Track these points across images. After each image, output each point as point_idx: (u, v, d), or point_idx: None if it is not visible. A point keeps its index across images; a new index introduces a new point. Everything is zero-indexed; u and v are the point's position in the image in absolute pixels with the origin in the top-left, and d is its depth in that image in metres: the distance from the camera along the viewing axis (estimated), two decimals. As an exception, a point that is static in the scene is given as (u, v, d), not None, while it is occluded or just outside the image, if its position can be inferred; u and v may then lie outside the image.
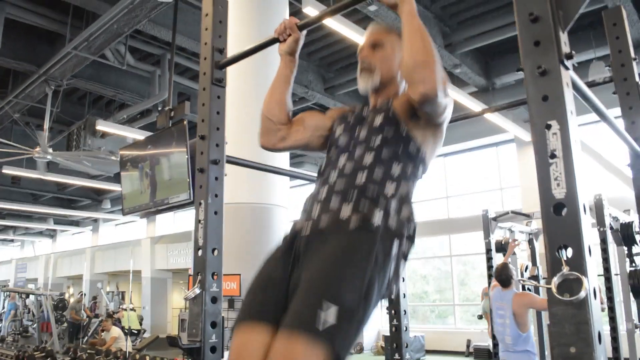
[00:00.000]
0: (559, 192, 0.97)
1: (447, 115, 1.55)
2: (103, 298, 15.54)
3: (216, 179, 1.78)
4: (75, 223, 21.53)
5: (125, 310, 12.20)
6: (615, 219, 4.62)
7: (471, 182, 12.36)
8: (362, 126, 1.59)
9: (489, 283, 5.31)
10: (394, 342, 2.16)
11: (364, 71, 1.68)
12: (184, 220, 17.90)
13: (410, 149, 1.52)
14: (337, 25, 5.97)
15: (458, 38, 7.69)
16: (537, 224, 5.84)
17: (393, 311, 2.59)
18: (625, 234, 4.52)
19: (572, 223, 0.95)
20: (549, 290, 0.94)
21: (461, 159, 12.46)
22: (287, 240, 1.51)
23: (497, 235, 5.65)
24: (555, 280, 0.93)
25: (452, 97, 1.55)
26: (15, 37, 7.66)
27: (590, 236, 0.97)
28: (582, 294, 0.90)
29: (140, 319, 13.98)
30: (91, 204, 18.31)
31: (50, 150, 8.46)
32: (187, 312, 1.77)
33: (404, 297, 2.61)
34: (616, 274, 4.79)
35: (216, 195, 1.77)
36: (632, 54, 1.95)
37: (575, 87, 1.21)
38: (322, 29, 7.51)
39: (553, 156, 0.98)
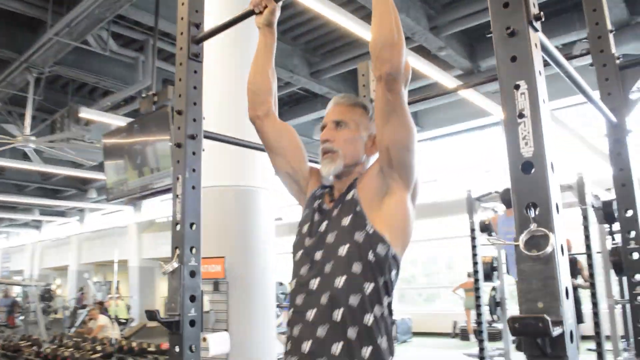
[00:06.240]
0: (527, 151, 0.98)
1: (415, 164, 1.50)
2: (90, 288, 15.49)
3: (194, 153, 1.77)
4: (61, 213, 21.34)
5: (112, 299, 12.16)
6: (597, 197, 4.68)
7: (458, 165, 12.43)
8: (329, 227, 1.53)
9: (474, 263, 5.37)
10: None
11: (327, 154, 1.59)
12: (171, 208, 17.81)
13: (379, 250, 1.45)
14: (322, 8, 5.93)
15: (443, 20, 7.67)
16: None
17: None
18: (607, 212, 4.58)
19: (540, 181, 0.96)
20: (516, 247, 0.95)
21: (446, 143, 12.52)
22: None
23: (482, 216, 5.71)
24: (523, 237, 0.94)
25: (416, 128, 1.51)
26: (-5, 24, 7.54)
27: (557, 194, 0.99)
28: (549, 249, 0.91)
29: (128, 308, 13.95)
30: (77, 193, 18.13)
31: (33, 138, 8.36)
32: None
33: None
34: (598, 252, 4.87)
35: (194, 170, 1.76)
36: (609, 26, 1.97)
37: (546, 51, 1.22)
38: (307, 13, 7.46)
39: (521, 116, 0.99)
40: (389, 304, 1.48)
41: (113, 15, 6.75)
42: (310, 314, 1.44)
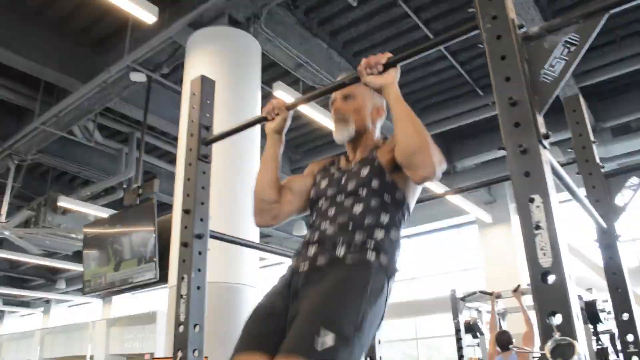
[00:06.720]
0: (545, 261, 1.02)
1: None
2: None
3: (200, 253, 1.78)
4: (26, 304, 20.43)
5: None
6: (580, 297, 4.73)
7: (434, 263, 12.44)
8: (349, 178, 1.68)
9: (459, 364, 5.26)
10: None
11: (339, 122, 1.79)
12: (141, 302, 17.24)
13: (397, 196, 1.62)
14: (305, 108, 6.18)
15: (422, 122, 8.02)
16: (503, 304, 5.90)
17: (369, 358, 2.53)
18: (589, 312, 4.60)
19: (560, 290, 1.00)
20: (542, 355, 0.97)
21: (424, 241, 12.61)
22: (285, 278, 1.58)
23: (465, 316, 5.67)
24: (549, 345, 0.97)
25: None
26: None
27: (577, 302, 1.03)
28: (575, 358, 0.93)
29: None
30: (44, 283, 17.49)
31: (5, 223, 8.20)
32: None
33: (379, 343, 2.53)
34: (583, 354, 4.83)
35: (199, 270, 1.77)
36: (592, 137, 2.11)
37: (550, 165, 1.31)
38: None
39: (538, 227, 1.05)
40: (399, 239, 1.62)
41: (101, 108, 6.91)
42: (326, 228, 1.59)
